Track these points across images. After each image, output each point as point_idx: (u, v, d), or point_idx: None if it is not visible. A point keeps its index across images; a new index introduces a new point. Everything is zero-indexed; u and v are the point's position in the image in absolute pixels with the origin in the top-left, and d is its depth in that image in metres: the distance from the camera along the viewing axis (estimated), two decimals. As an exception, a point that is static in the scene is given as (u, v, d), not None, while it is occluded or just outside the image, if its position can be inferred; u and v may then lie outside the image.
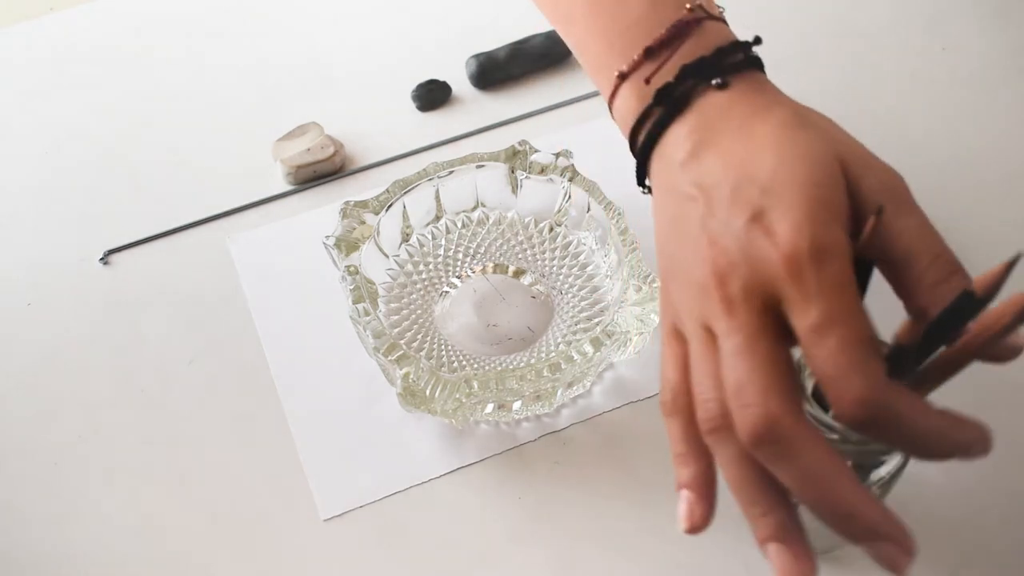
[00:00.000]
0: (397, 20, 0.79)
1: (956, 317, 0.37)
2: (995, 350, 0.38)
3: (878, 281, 0.40)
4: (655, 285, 0.55)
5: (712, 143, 0.41)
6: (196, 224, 0.67)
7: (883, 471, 0.44)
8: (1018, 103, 0.71)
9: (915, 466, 0.45)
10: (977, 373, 0.57)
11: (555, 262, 0.62)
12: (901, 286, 0.39)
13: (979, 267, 0.60)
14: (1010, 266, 0.35)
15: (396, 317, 0.59)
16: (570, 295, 0.61)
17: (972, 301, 0.36)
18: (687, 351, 0.40)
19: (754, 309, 0.37)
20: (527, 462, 0.55)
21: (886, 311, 0.40)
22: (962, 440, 0.36)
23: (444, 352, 0.58)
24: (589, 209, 0.60)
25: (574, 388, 0.56)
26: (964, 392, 0.57)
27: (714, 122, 0.42)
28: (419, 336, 0.59)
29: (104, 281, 0.65)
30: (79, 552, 0.53)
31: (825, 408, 0.43)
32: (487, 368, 0.58)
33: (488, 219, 0.64)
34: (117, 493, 0.55)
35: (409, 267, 0.62)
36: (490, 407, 0.54)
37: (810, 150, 0.40)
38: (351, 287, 0.55)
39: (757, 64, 0.46)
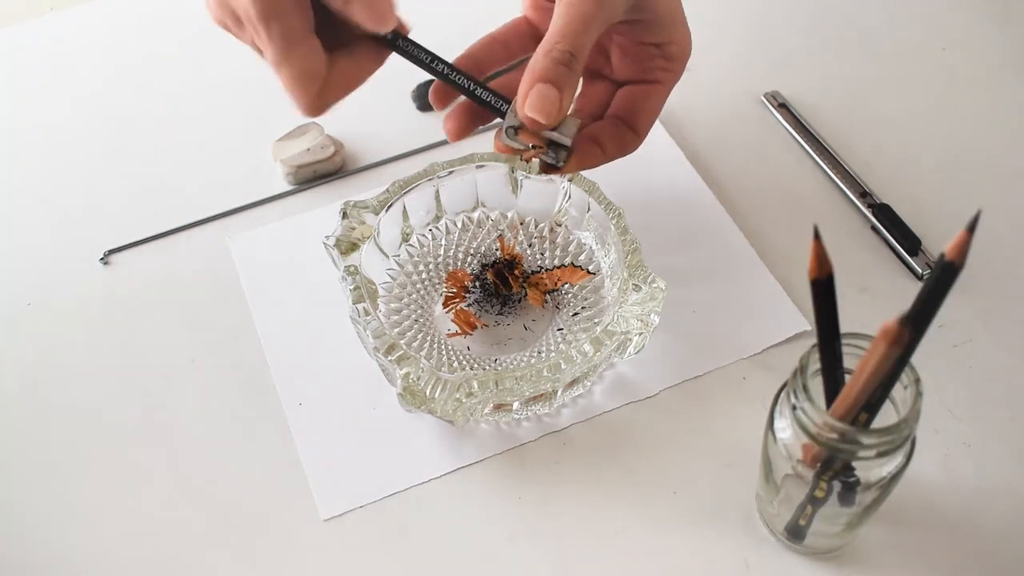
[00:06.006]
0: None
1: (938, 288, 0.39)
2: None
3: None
4: (655, 285, 0.55)
5: None
6: (196, 224, 0.67)
7: (884, 471, 0.44)
8: (1018, 103, 0.71)
9: (915, 466, 0.45)
10: (976, 373, 0.58)
11: (555, 262, 0.62)
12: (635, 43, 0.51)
13: (979, 268, 0.60)
14: (972, 228, 0.37)
15: (396, 317, 0.59)
16: (570, 295, 0.61)
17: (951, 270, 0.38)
18: None
19: None
20: (527, 462, 0.55)
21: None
22: None
23: (444, 352, 0.58)
24: (589, 209, 0.60)
25: (574, 388, 0.56)
26: (963, 392, 0.57)
27: None
28: (419, 336, 0.59)
29: (104, 281, 0.65)
30: (79, 552, 0.53)
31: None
32: (487, 368, 0.58)
33: (488, 219, 0.64)
34: (117, 493, 0.55)
35: (409, 267, 0.62)
36: (490, 407, 0.54)
37: None
38: (351, 287, 0.55)
39: None
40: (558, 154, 0.49)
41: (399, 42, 0.47)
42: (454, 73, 0.49)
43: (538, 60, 0.46)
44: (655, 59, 0.52)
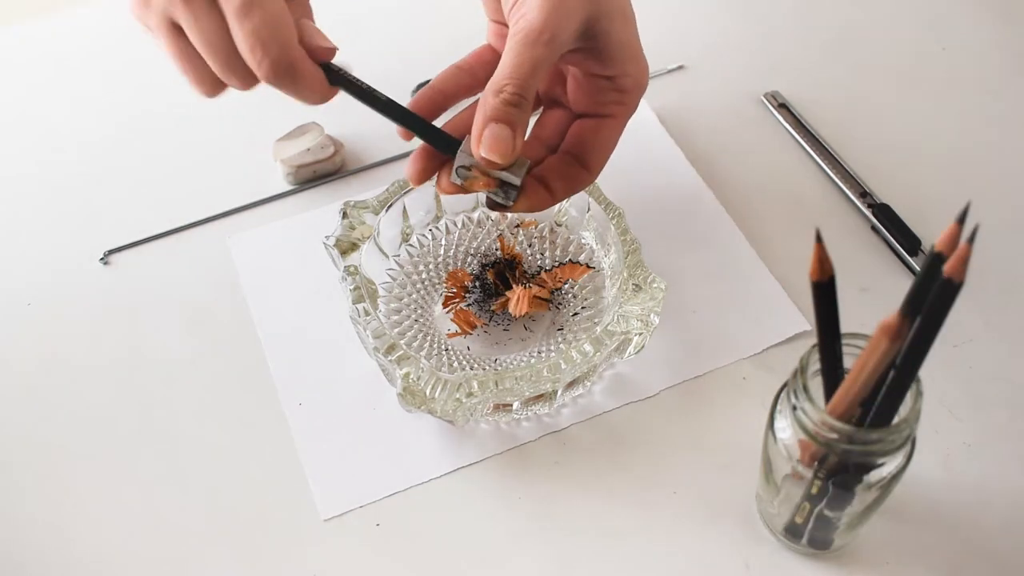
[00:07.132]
0: (397, 20, 0.79)
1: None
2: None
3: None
4: (655, 285, 0.55)
5: None
6: (196, 224, 0.67)
7: (884, 471, 0.44)
8: (1018, 103, 0.71)
9: (915, 466, 0.45)
10: (976, 373, 0.58)
11: (555, 262, 0.62)
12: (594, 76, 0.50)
13: (979, 268, 0.60)
14: (962, 220, 0.37)
15: (396, 317, 0.59)
16: (570, 295, 0.61)
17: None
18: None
19: None
20: (527, 462, 0.55)
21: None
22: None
23: (444, 352, 0.58)
24: (589, 209, 0.60)
25: (575, 388, 0.56)
26: (963, 392, 0.57)
27: None
28: (419, 336, 0.59)
29: (104, 281, 0.65)
30: (79, 552, 0.53)
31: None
32: (487, 368, 0.58)
33: (488, 219, 0.64)
34: (117, 493, 0.55)
35: (409, 267, 0.62)
36: (490, 407, 0.54)
37: None
38: (351, 287, 0.55)
39: None
40: (508, 193, 0.48)
41: (344, 85, 0.46)
42: (404, 114, 0.48)
43: (488, 100, 0.46)
44: (607, 92, 0.50)
